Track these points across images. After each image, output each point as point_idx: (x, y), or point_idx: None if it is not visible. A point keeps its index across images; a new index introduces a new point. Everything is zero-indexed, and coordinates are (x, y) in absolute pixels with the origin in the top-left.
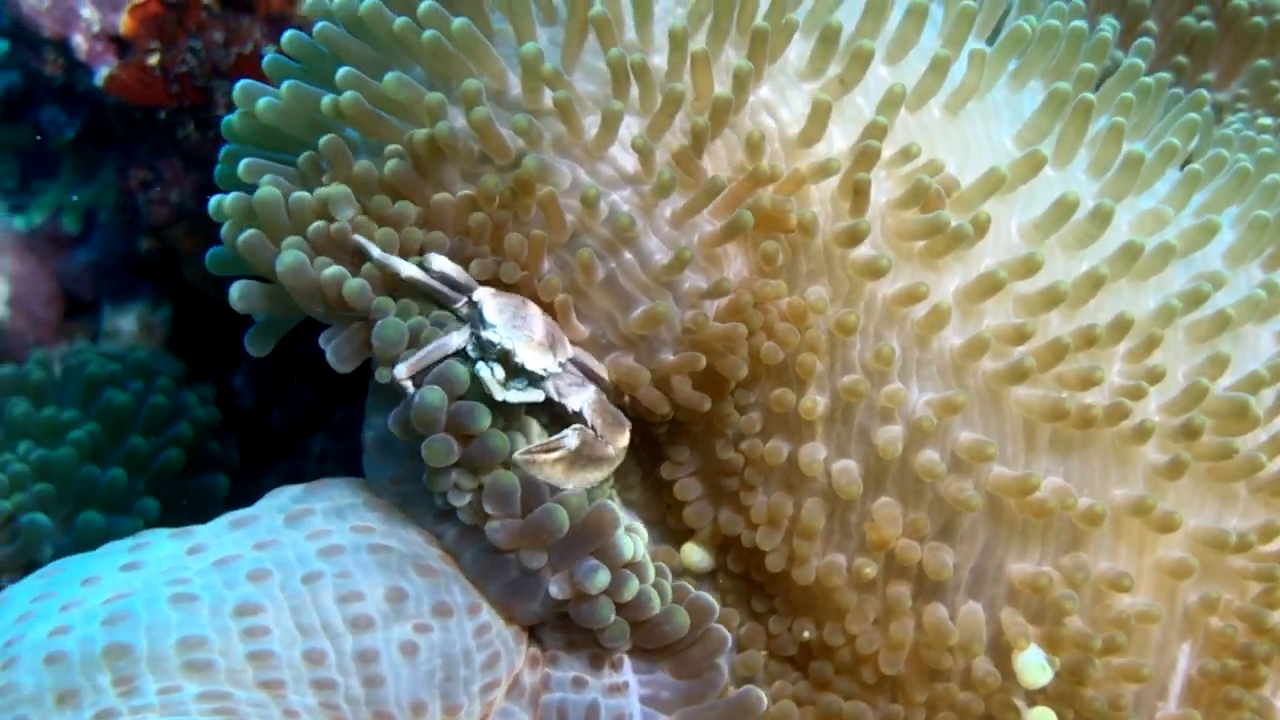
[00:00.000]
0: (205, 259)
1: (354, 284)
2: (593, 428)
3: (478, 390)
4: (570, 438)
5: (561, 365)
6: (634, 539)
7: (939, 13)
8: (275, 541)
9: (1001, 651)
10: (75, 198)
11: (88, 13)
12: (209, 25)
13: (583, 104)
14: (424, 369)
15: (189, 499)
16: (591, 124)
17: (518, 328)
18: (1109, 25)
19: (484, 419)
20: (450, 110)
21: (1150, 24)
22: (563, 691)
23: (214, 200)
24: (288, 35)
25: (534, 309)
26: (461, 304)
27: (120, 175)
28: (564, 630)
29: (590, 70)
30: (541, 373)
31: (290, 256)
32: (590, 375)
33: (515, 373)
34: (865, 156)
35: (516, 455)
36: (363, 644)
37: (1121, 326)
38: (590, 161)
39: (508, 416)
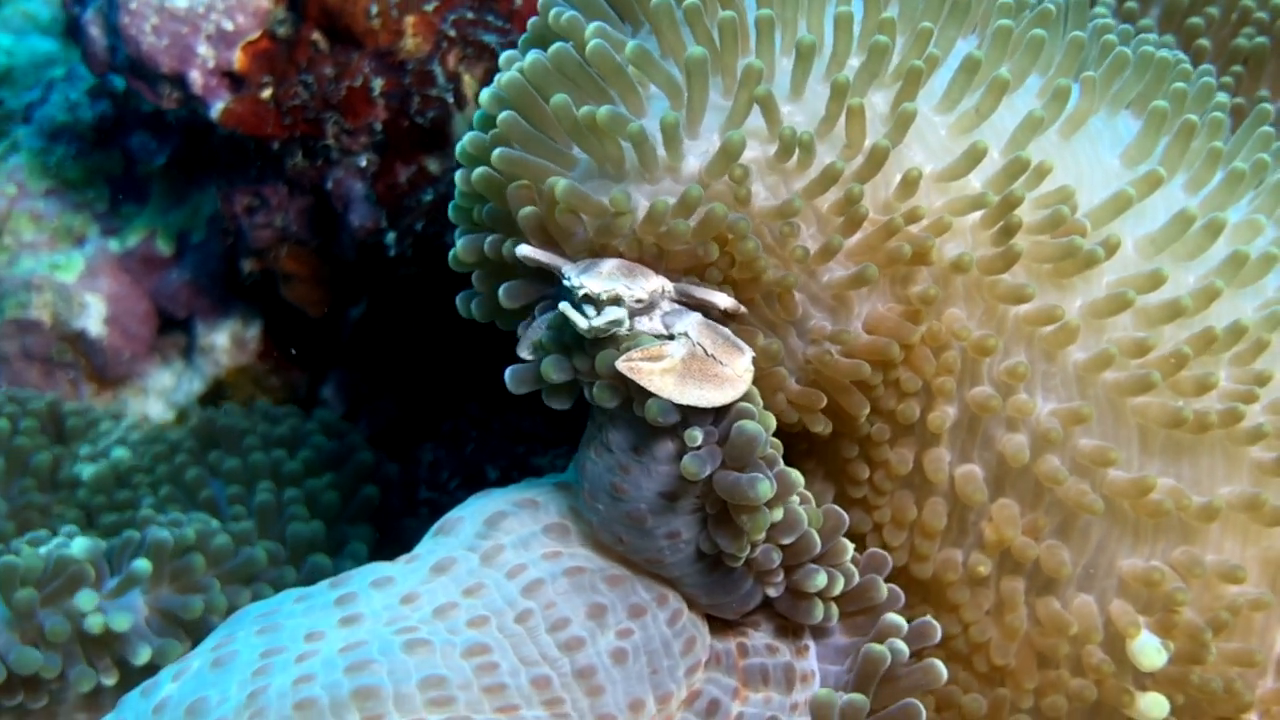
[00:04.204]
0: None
1: None
2: (700, 346)
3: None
4: (676, 346)
5: (652, 294)
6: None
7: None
8: (481, 585)
9: (1112, 640)
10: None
11: (204, 50)
12: (319, 61)
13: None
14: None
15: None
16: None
17: (586, 271)
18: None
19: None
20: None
21: (1204, 41)
22: (760, 657)
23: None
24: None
25: (608, 258)
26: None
27: (225, 200)
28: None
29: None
30: (602, 294)
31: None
32: (699, 305)
33: (599, 307)
34: (1013, 198)
35: (618, 363)
36: (579, 663)
37: (1236, 333)
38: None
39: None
